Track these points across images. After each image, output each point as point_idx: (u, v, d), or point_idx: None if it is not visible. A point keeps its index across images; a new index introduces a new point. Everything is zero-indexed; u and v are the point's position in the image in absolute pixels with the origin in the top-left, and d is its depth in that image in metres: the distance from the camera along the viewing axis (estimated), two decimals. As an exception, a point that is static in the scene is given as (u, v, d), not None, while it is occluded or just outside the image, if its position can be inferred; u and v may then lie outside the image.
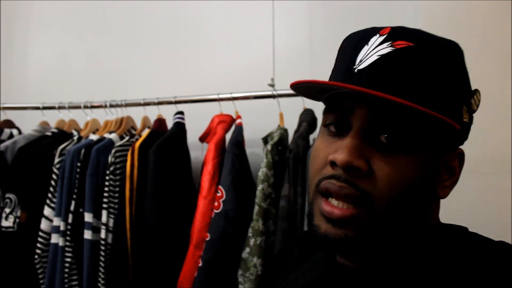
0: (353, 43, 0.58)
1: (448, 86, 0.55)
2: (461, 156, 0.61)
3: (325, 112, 0.60)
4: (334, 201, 0.54)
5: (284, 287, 0.71)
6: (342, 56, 0.60)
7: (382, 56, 0.54)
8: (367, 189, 0.53)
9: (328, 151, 0.56)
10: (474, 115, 0.61)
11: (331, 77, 0.61)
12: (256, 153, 1.84)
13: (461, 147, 0.62)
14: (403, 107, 0.50)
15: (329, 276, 0.64)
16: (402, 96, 0.50)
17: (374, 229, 0.53)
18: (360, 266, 0.59)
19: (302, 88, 0.60)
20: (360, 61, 0.55)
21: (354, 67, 0.55)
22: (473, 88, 0.60)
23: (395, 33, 0.56)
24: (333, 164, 0.54)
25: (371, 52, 0.55)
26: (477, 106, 0.60)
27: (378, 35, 0.56)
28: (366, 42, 0.56)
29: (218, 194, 1.56)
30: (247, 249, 1.49)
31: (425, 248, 0.57)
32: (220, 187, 1.57)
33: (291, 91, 1.66)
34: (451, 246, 0.57)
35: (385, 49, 0.54)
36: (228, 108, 1.76)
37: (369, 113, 0.54)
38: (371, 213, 0.53)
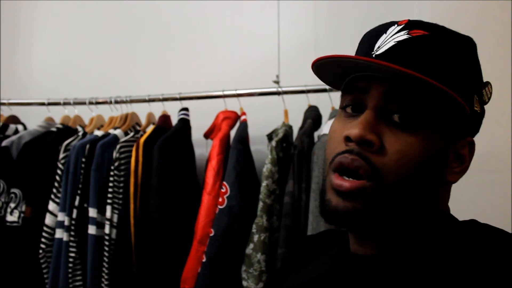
0: (372, 34, 0.62)
1: (461, 73, 0.58)
2: (471, 145, 0.62)
3: (343, 94, 0.63)
4: (345, 177, 0.57)
5: (297, 280, 0.71)
6: (361, 46, 0.63)
7: (399, 42, 0.58)
8: (377, 164, 0.55)
9: (344, 131, 0.58)
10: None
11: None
12: (261, 149, 1.85)
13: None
14: (418, 83, 0.53)
15: (342, 267, 0.64)
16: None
17: (381, 203, 0.56)
18: (373, 254, 0.60)
19: (323, 69, 0.62)
20: (378, 47, 0.59)
21: (372, 52, 0.59)
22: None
23: (412, 24, 0.59)
24: (347, 139, 0.57)
25: (389, 39, 0.59)
26: (489, 98, 0.63)
27: (396, 25, 0.60)
28: (385, 31, 0.60)
29: (223, 190, 1.56)
30: (251, 245, 1.49)
31: (439, 236, 0.58)
32: (224, 183, 1.57)
33: (296, 88, 1.69)
34: (465, 235, 0.57)
35: (402, 36, 0.58)
36: (233, 105, 1.76)
37: (384, 93, 0.57)
38: (379, 187, 0.55)
